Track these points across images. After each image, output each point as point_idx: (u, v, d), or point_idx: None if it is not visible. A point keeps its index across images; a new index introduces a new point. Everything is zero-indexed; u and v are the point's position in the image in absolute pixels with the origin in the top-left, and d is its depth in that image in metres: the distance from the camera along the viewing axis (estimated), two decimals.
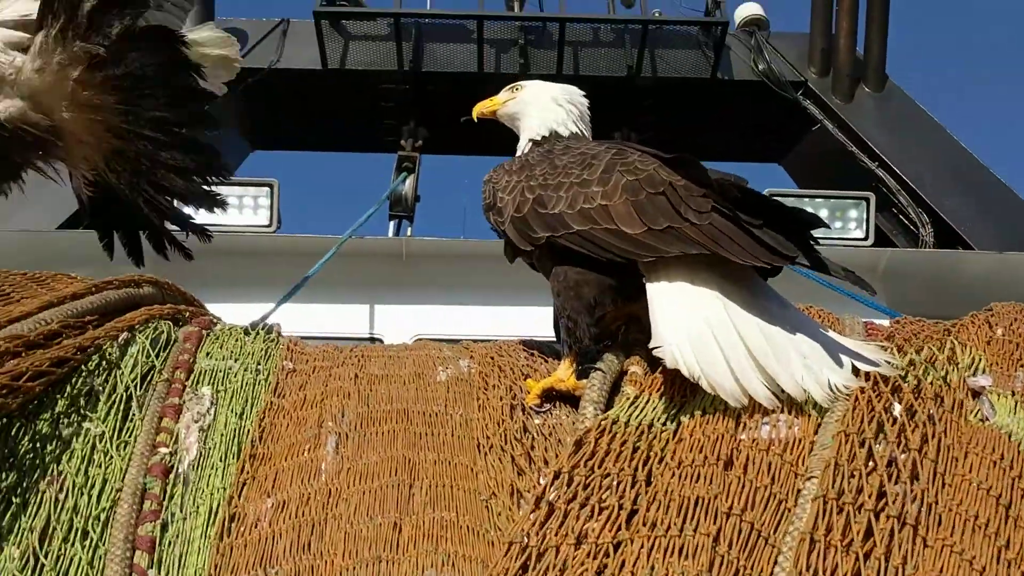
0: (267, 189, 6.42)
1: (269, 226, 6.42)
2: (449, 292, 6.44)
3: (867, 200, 6.40)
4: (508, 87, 2.36)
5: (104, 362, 1.61)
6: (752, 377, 1.48)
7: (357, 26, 7.87)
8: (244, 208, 6.47)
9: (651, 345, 1.59)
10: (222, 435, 1.57)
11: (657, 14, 8.03)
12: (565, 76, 7.75)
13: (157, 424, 1.54)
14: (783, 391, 1.48)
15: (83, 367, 1.57)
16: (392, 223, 7.99)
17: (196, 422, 1.57)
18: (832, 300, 5.52)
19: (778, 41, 8.07)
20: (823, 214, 6.45)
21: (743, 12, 8.33)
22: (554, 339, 4.78)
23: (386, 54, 7.77)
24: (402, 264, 6.46)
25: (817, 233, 1.77)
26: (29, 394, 1.42)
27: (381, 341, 6.43)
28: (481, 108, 2.35)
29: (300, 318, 5.66)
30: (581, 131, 2.26)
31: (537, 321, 6.47)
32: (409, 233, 7.79)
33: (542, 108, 2.21)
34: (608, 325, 1.87)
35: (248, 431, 1.59)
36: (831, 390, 1.47)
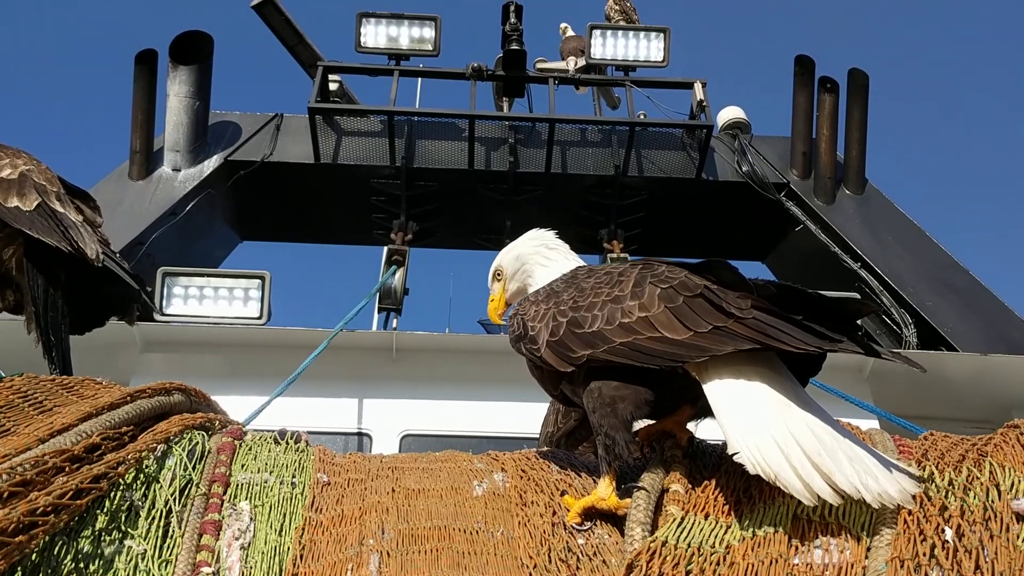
0: (258, 281, 6.41)
1: (260, 318, 6.38)
2: (438, 387, 6.40)
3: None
4: (492, 276, 2.36)
5: (142, 475, 1.58)
6: (814, 477, 1.50)
7: (350, 122, 8.03)
8: (234, 300, 6.44)
9: (728, 451, 1.60)
10: (263, 553, 1.53)
11: (642, 116, 8.29)
12: (554, 174, 7.93)
13: (197, 541, 1.51)
14: (840, 489, 1.49)
15: (121, 480, 1.54)
16: (380, 315, 7.99)
17: (237, 539, 1.53)
18: (817, 397, 5.59)
19: (760, 144, 8.33)
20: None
21: (725, 115, 8.61)
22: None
23: (378, 150, 7.92)
24: (391, 358, 6.43)
25: None
26: (76, 511, 1.39)
27: (369, 437, 6.35)
28: (497, 314, 2.34)
29: (289, 412, 5.62)
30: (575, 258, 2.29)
31: (524, 417, 6.48)
32: (395, 325, 7.78)
33: (541, 262, 2.23)
34: (641, 443, 1.88)
35: (288, 549, 1.56)
36: (879, 495, 1.49)
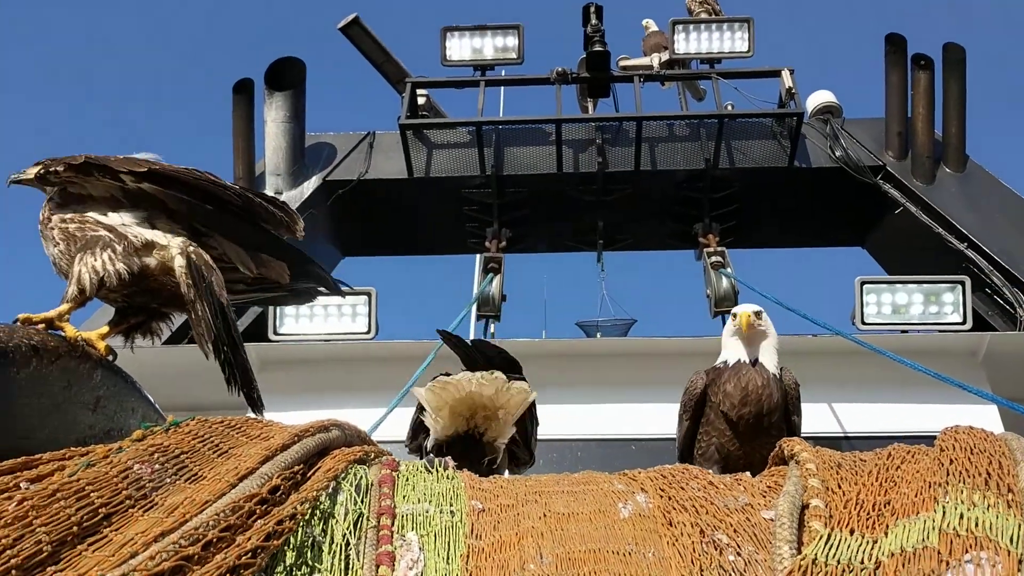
0: (365, 297, 6.64)
1: (368, 333, 6.61)
2: (542, 391, 6.47)
3: (962, 284, 6.35)
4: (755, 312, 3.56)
5: (318, 511, 1.73)
6: None
7: (440, 135, 8.22)
8: (343, 316, 6.68)
9: None
10: None
11: (729, 107, 8.24)
12: (643, 171, 7.96)
13: (375, 572, 1.64)
14: None
15: (301, 517, 1.69)
16: (478, 323, 8.15)
17: (411, 569, 1.66)
18: (930, 385, 5.49)
19: (853, 127, 8.20)
20: (918, 299, 6.41)
21: (815, 100, 8.50)
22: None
23: (468, 160, 8.08)
24: None
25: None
26: (272, 551, 1.53)
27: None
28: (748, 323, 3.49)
29: (401, 423, 5.80)
30: None
31: (628, 419, 6.54)
32: (492, 331, 7.92)
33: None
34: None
35: (457, 575, 1.68)
36: None
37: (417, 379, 5.83)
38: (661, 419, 6.02)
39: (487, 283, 7.63)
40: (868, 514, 1.71)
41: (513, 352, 6.62)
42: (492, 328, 8.01)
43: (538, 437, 6.35)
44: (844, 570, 1.55)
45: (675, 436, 6.10)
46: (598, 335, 8.64)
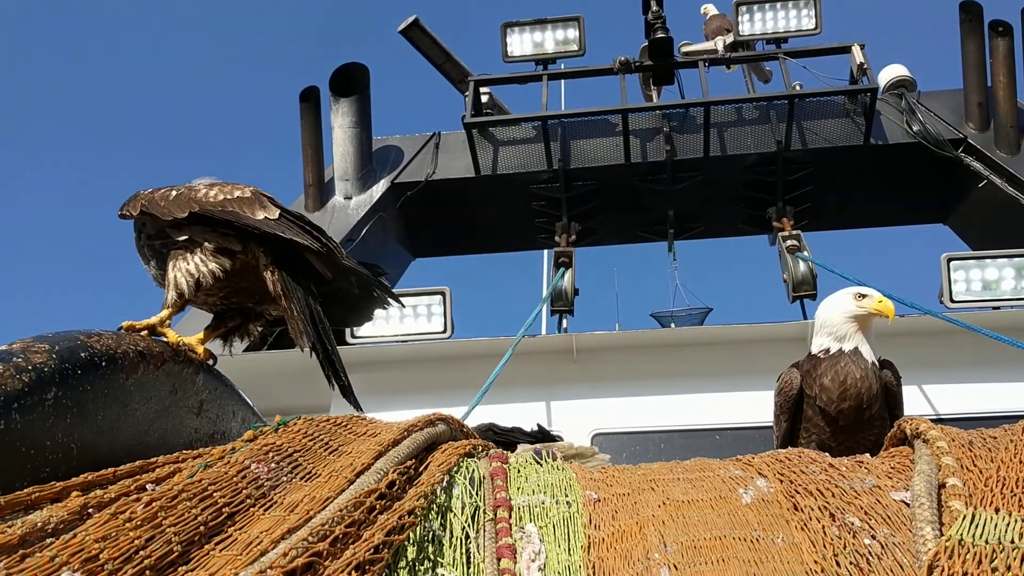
0: (439, 297, 6.65)
1: (444, 332, 6.62)
2: (621, 384, 6.45)
3: None
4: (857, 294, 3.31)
5: (435, 506, 1.70)
6: None
7: (505, 132, 8.19)
8: (419, 316, 6.71)
9: None
10: (558, 573, 1.62)
11: (798, 87, 8.04)
12: (713, 157, 7.82)
13: (498, 566, 1.61)
14: None
15: (418, 512, 1.66)
16: (553, 318, 8.11)
17: (533, 561, 1.63)
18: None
19: (930, 100, 7.94)
20: (1008, 274, 6.18)
21: (888, 75, 8.26)
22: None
23: (535, 155, 8.04)
24: (572, 360, 6.54)
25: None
26: (397, 545, 1.51)
27: (560, 439, 6.47)
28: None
29: (483, 419, 5.80)
30: None
31: (710, 408, 6.42)
32: (565, 326, 7.87)
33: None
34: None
35: (580, 567, 1.64)
36: None
37: (496, 375, 5.84)
38: (744, 407, 5.92)
39: (559, 278, 7.59)
40: (1012, 491, 1.62)
41: (589, 346, 6.62)
42: (565, 323, 7.97)
43: (625, 430, 6.30)
44: (994, 551, 1.47)
45: (759, 424, 5.94)
46: (672, 325, 8.52)
